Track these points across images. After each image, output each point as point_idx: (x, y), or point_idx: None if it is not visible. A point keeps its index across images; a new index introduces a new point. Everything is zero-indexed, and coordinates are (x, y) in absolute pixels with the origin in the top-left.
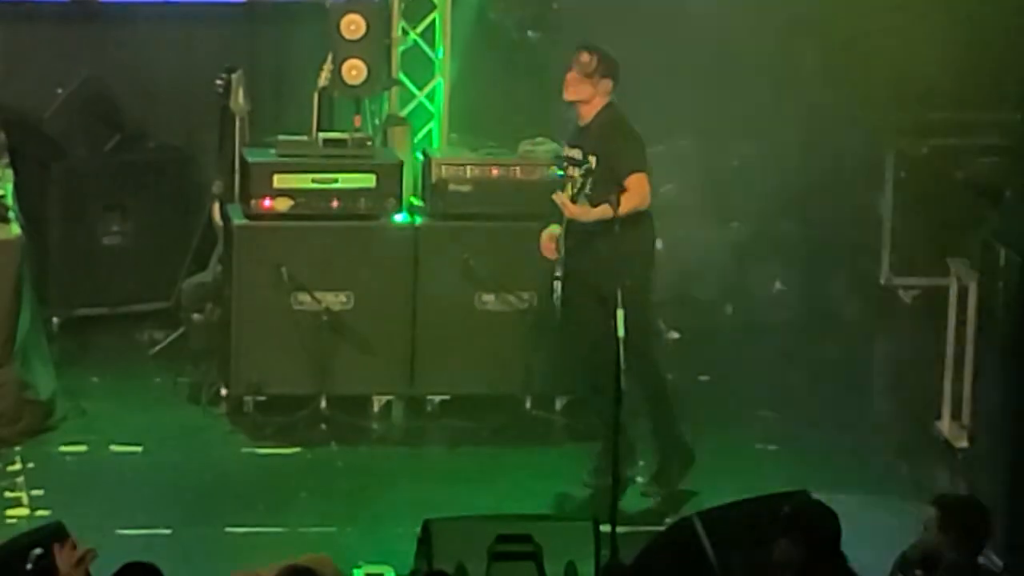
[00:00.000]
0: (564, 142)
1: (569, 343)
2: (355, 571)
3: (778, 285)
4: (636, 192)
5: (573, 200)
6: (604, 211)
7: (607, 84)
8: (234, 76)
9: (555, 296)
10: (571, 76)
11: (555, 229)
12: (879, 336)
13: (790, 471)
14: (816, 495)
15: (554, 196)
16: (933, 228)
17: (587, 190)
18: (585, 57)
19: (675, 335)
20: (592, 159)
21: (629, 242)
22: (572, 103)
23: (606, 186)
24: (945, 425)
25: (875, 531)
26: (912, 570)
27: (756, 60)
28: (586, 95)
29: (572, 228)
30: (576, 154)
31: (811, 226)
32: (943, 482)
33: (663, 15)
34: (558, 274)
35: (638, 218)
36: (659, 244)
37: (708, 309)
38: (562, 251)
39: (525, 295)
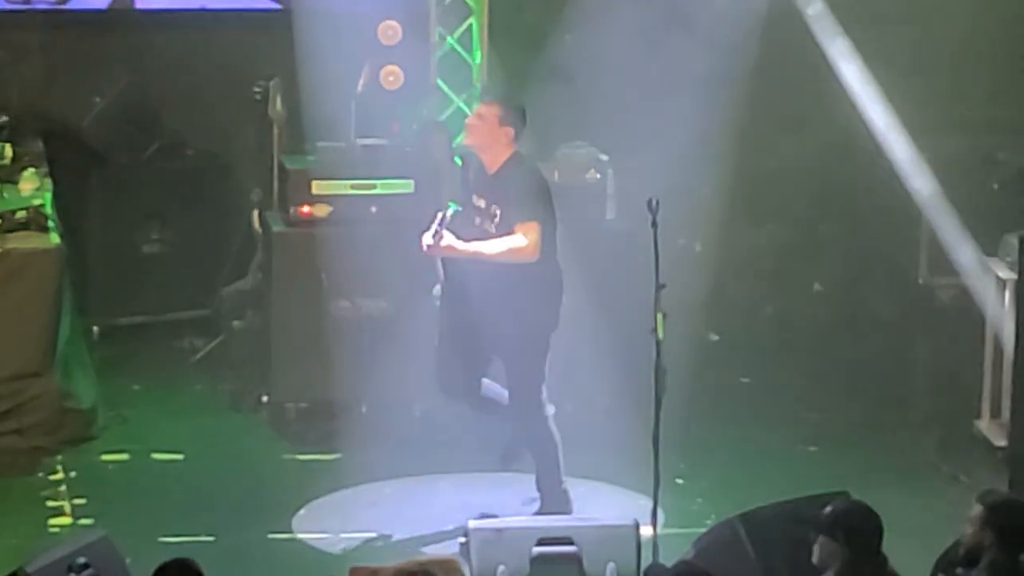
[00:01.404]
0: (472, 190)
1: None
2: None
3: (817, 286)
4: (521, 236)
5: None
6: (476, 251)
7: (510, 134)
8: (272, 83)
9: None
10: (470, 122)
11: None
12: (918, 335)
13: (831, 472)
14: (857, 495)
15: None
16: (970, 226)
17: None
18: (482, 109)
19: (715, 337)
20: (496, 209)
21: (520, 296)
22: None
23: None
24: (985, 423)
25: (916, 530)
26: (954, 569)
27: (791, 60)
28: (490, 145)
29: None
30: (481, 203)
31: (849, 226)
32: (983, 480)
33: (702, 16)
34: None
35: (533, 273)
36: (698, 246)
37: (747, 310)
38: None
39: (565, 298)
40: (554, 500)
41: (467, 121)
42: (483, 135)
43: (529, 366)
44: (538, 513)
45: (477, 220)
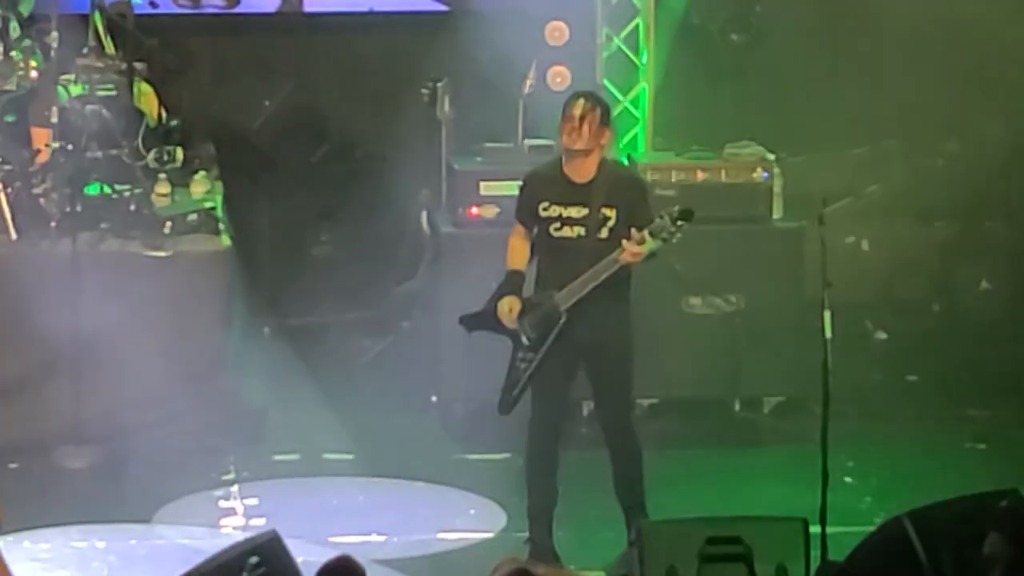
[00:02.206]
0: (549, 201)
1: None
2: None
3: (984, 284)
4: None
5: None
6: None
7: (609, 136)
8: (439, 85)
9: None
10: (574, 126)
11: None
12: None
13: (1000, 470)
14: None
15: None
16: None
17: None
18: (585, 112)
19: (882, 335)
20: (610, 212)
21: (625, 299)
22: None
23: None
24: None
25: None
26: None
27: (959, 58)
28: (590, 151)
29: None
30: (575, 212)
31: (1017, 224)
32: None
33: (864, 15)
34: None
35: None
36: (865, 245)
37: (915, 309)
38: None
39: (732, 298)
40: (638, 508)
41: (569, 125)
42: (590, 139)
43: (630, 367)
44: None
45: (568, 231)
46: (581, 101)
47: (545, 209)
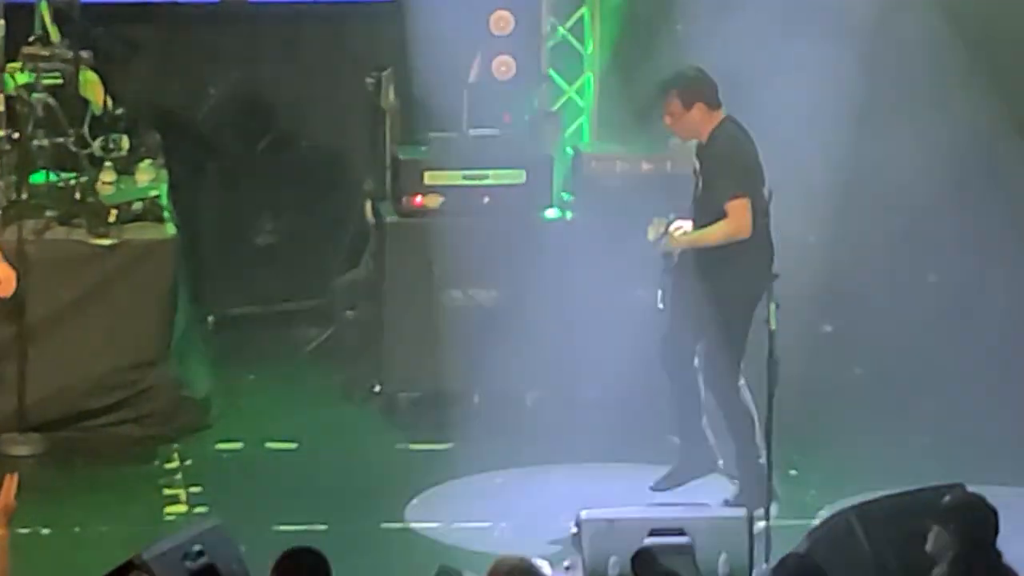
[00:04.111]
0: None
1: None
2: None
3: (932, 276)
4: (732, 219)
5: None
6: (694, 240)
7: (701, 108)
8: (384, 74)
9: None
10: (667, 121)
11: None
12: None
13: (945, 463)
14: (972, 488)
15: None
16: None
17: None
18: (668, 102)
19: (828, 328)
20: (700, 180)
21: (726, 271)
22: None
23: (707, 208)
24: None
25: None
26: None
27: (908, 49)
28: (693, 130)
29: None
30: (697, 166)
31: (965, 217)
32: None
33: (815, 6)
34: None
35: (740, 248)
36: (811, 237)
37: (862, 301)
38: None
39: None
40: (751, 477)
41: (665, 120)
42: (684, 127)
43: (733, 339)
44: (737, 497)
45: (694, 182)
46: (661, 97)
47: None
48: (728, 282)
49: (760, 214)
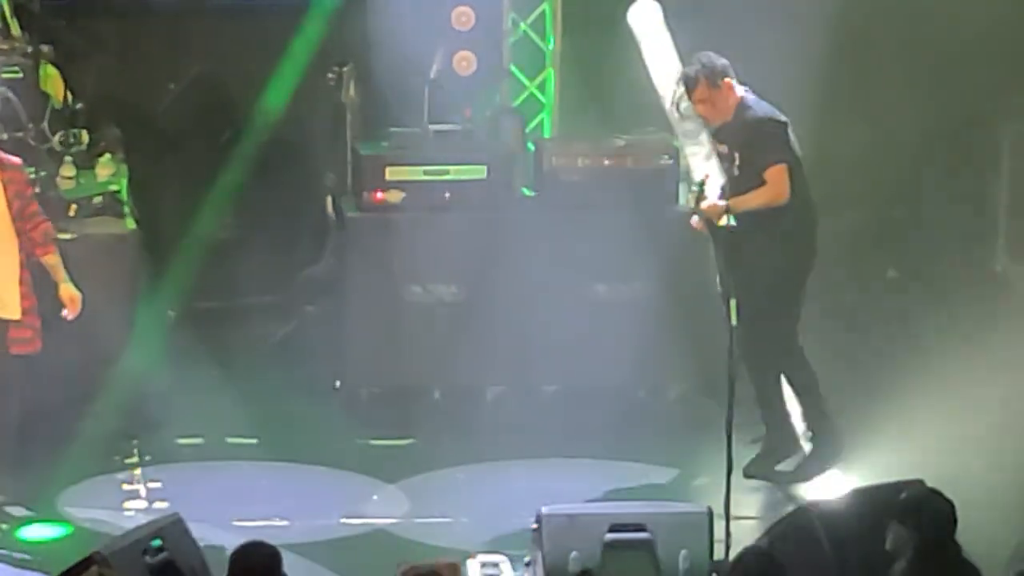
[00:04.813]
0: (712, 137)
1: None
2: (469, 561)
3: (891, 272)
4: (772, 184)
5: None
6: (732, 207)
7: (728, 85)
8: (345, 69)
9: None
10: (701, 110)
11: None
12: (995, 323)
13: (906, 459)
14: (932, 484)
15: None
16: None
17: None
18: (695, 89)
19: None
20: (736, 155)
21: (765, 236)
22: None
23: (749, 181)
24: None
25: (992, 520)
26: None
27: (868, 45)
28: (724, 109)
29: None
30: (724, 149)
31: (926, 212)
32: None
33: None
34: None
35: (778, 212)
36: None
37: (821, 297)
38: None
39: (637, 284)
40: (825, 428)
41: (697, 111)
42: (717, 108)
43: (787, 304)
44: (812, 453)
45: (724, 165)
46: (688, 88)
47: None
48: (778, 247)
49: (799, 179)
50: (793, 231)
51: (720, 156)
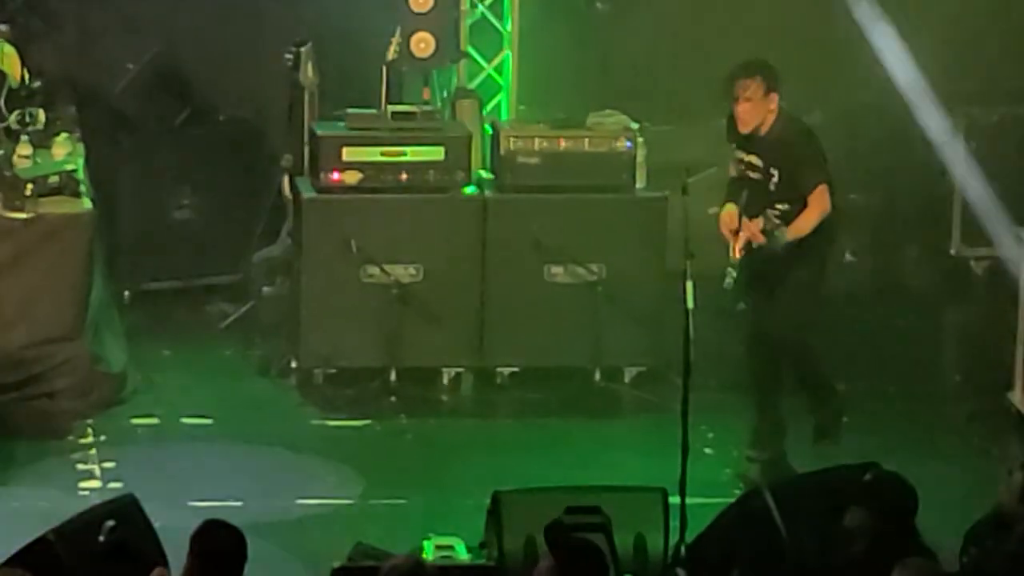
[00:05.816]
0: (733, 145)
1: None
2: (425, 543)
3: (848, 256)
4: (818, 204)
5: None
6: (798, 232)
7: (775, 98)
8: (303, 49)
9: (726, 282)
10: (744, 108)
11: (732, 209)
12: (950, 307)
13: (861, 443)
14: (887, 467)
15: (744, 231)
16: (1005, 197)
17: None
18: (750, 84)
19: (743, 306)
20: (775, 171)
21: (804, 245)
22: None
23: (788, 195)
24: (1017, 395)
25: (947, 503)
26: (985, 541)
27: (821, 27)
28: (762, 118)
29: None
30: (755, 161)
31: (881, 197)
32: (1015, 453)
33: None
34: (733, 260)
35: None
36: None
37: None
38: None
39: (594, 267)
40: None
41: (739, 108)
42: (757, 113)
43: (813, 299)
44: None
45: (750, 175)
46: (741, 80)
47: (734, 150)
48: (812, 250)
49: (832, 191)
50: (825, 241)
51: (748, 167)
